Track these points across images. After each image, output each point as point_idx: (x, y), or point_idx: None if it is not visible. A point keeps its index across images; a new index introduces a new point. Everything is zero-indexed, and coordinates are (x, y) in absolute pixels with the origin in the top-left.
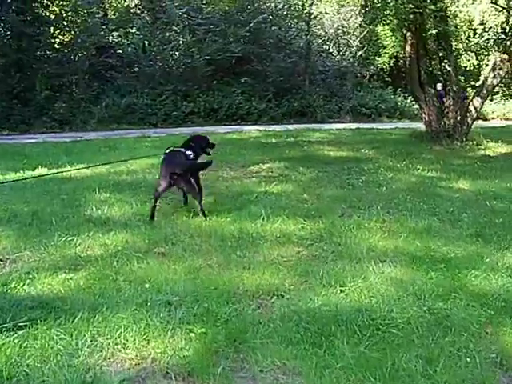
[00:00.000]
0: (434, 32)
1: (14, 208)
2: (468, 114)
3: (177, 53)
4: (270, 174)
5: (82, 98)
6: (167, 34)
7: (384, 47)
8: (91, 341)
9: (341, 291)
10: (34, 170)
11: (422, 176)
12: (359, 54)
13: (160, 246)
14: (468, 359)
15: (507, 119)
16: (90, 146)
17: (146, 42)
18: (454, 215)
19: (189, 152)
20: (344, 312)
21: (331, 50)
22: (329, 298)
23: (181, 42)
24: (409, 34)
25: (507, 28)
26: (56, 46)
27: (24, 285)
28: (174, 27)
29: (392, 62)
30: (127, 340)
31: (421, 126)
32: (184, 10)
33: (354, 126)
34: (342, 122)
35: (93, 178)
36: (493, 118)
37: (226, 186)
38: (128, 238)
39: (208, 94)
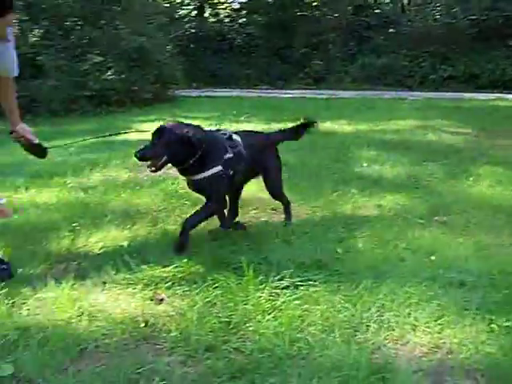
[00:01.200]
0: None
1: (282, 157)
2: None
3: (437, 13)
4: None
5: (338, 57)
6: None
7: None
8: (377, 316)
9: None
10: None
11: None
12: None
13: (441, 215)
14: None
15: None
16: (347, 103)
17: (405, 1)
18: None
19: None
20: None
21: None
22: None
23: (443, 1)
24: None
25: None
26: (314, 4)
27: (299, 238)
28: None
29: None
30: (417, 321)
31: None
32: None
33: None
34: None
35: (356, 134)
36: None
37: (505, 155)
38: (404, 201)
39: (469, 57)
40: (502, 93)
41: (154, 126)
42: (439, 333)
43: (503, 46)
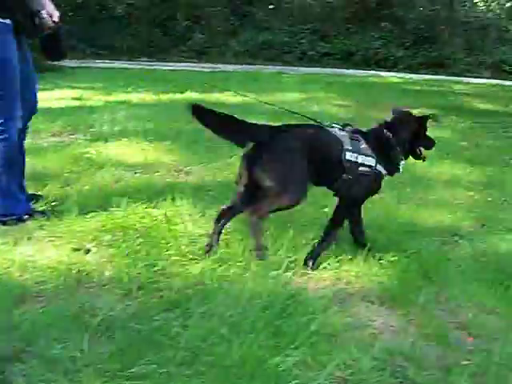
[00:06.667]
0: None
1: (178, 125)
2: None
3: None
4: None
5: (220, 31)
6: None
7: None
8: (286, 256)
9: None
10: (182, 93)
11: None
12: (507, 5)
13: None
14: None
15: None
16: (231, 76)
17: None
18: None
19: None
20: None
21: (476, 0)
22: None
23: None
24: None
25: None
26: None
27: (206, 195)
28: None
29: None
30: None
31: None
32: None
33: (494, 82)
34: (481, 77)
35: (243, 105)
36: None
37: None
38: None
39: (345, 36)
40: (375, 70)
41: None
42: (338, 269)
43: (377, 28)
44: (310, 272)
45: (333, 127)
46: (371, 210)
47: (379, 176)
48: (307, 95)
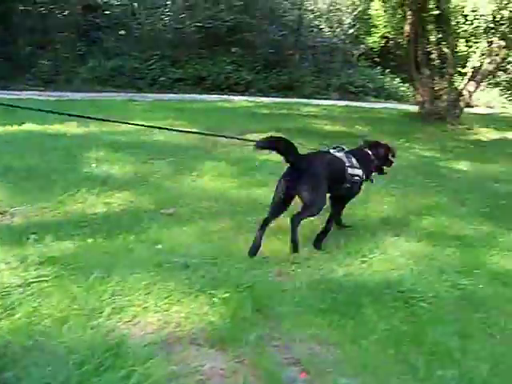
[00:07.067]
0: (435, 13)
1: (8, 161)
2: (461, 98)
3: (167, 18)
4: None
5: (67, 57)
6: None
7: (375, 27)
8: (110, 302)
9: (362, 262)
10: (20, 125)
11: (420, 155)
12: (350, 31)
13: (167, 208)
14: (499, 337)
15: (490, 107)
16: (77, 105)
17: (136, 5)
18: (460, 194)
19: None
20: (369, 283)
21: (322, 26)
22: (351, 268)
23: (171, 7)
24: (409, 12)
25: (499, 16)
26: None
27: (29, 239)
28: None
29: (383, 42)
30: (147, 302)
31: (409, 108)
32: None
33: (342, 103)
34: (330, 99)
35: (85, 135)
36: (477, 106)
37: (226, 152)
38: (132, 197)
39: (197, 61)
40: (226, 94)
41: None
42: (167, 310)
43: (227, 53)
44: (137, 315)
45: (333, 149)
46: (206, 241)
47: (362, 181)
48: (153, 123)
